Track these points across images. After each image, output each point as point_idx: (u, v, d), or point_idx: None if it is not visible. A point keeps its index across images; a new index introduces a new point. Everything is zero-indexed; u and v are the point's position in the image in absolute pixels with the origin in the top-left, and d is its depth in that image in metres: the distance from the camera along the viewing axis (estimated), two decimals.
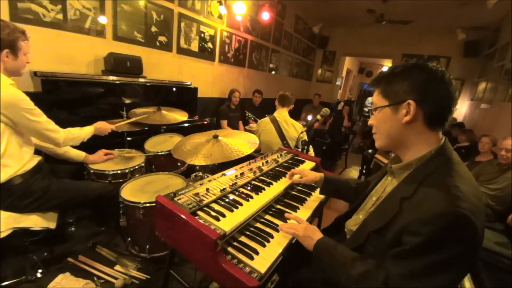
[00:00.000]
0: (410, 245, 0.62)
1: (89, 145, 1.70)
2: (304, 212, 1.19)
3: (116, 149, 1.97)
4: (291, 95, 2.38)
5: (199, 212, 0.94)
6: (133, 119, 1.97)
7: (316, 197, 1.34)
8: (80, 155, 1.70)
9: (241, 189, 1.16)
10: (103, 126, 1.67)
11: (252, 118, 3.58)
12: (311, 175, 1.27)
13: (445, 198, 0.62)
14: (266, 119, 2.35)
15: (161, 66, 2.95)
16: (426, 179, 0.70)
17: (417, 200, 0.67)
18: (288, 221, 1.03)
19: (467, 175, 0.70)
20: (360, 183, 1.22)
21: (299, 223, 0.95)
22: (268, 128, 2.29)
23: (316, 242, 0.84)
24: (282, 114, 2.33)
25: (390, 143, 0.81)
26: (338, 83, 7.79)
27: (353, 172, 4.43)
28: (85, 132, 1.53)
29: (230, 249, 0.88)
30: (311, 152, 2.33)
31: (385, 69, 0.90)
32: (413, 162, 0.77)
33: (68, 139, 1.42)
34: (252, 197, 1.09)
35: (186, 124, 2.78)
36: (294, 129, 2.26)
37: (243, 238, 0.95)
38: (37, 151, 1.46)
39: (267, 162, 1.50)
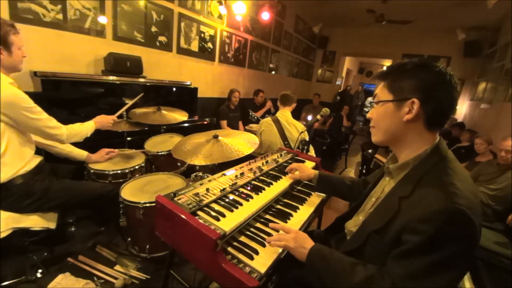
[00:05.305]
0: (411, 244, 0.62)
1: (90, 145, 1.70)
2: (304, 212, 1.18)
3: (117, 149, 1.97)
4: (293, 94, 2.35)
5: (199, 212, 0.94)
6: (130, 103, 1.99)
7: (316, 196, 1.34)
8: (82, 154, 1.71)
9: (241, 189, 1.16)
10: (104, 119, 1.65)
11: (255, 119, 3.56)
12: (307, 171, 1.32)
13: (442, 195, 0.63)
14: (268, 119, 2.33)
15: (161, 66, 2.95)
16: (423, 178, 0.71)
17: (415, 199, 0.68)
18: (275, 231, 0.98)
19: (462, 172, 0.71)
20: (356, 181, 1.23)
21: (288, 233, 0.89)
22: (270, 129, 2.28)
23: (309, 251, 0.81)
24: (284, 114, 2.31)
25: (387, 139, 0.82)
26: (338, 83, 7.79)
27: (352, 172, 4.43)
28: (86, 128, 1.52)
29: (230, 249, 0.88)
30: (311, 152, 2.33)
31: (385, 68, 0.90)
32: (409, 162, 0.78)
33: (71, 135, 1.41)
34: (252, 197, 1.09)
35: (186, 124, 2.77)
36: (296, 130, 2.24)
37: (243, 238, 0.95)
38: (38, 151, 1.46)
39: (267, 162, 1.50)
